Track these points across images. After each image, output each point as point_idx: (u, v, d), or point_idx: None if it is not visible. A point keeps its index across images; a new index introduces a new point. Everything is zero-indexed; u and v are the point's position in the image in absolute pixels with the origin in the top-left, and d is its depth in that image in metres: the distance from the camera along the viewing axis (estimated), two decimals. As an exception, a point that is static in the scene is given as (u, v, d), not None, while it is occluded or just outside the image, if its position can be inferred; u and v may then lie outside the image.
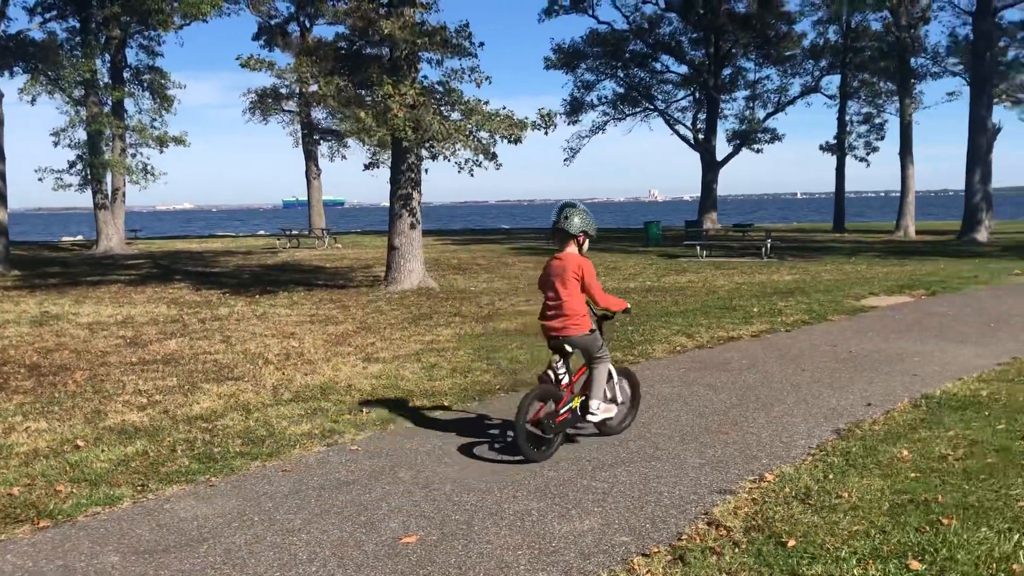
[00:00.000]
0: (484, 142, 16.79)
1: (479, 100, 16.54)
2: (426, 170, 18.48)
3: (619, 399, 6.11)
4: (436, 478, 5.26)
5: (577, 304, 5.68)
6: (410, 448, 5.93)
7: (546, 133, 17.51)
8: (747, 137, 45.05)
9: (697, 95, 46.63)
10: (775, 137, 45.74)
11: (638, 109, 47.44)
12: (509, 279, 19.50)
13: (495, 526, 4.43)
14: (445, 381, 8.17)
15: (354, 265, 23.96)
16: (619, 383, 6.16)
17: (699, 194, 46.72)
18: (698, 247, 26.47)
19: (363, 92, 17.29)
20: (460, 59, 17.33)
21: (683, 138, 46.09)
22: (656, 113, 47.16)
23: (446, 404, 7.23)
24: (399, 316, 13.05)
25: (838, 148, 44.14)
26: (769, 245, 26.01)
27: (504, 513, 4.62)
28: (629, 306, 6.20)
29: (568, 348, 5.72)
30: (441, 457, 5.70)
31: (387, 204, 18.33)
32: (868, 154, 44.49)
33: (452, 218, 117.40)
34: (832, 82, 44.81)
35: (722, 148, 45.72)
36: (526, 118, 16.82)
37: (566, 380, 5.79)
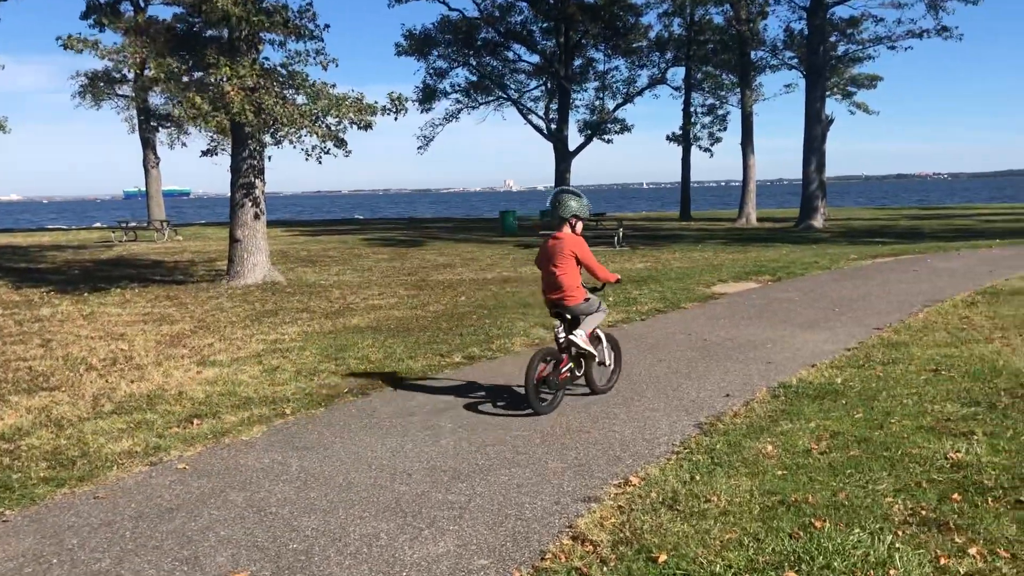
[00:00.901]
0: (332, 128, 16.06)
1: (325, 84, 15.79)
2: (269, 157, 17.54)
3: (607, 362, 7.01)
4: (273, 499, 4.70)
5: (572, 278, 6.53)
6: (245, 465, 5.33)
7: (396, 118, 16.92)
8: (598, 127, 45.75)
9: (549, 85, 46.95)
10: (625, 127, 46.64)
11: (491, 98, 47.30)
12: (361, 271, 18.83)
13: (338, 555, 3.93)
14: (288, 385, 7.54)
15: (195, 259, 22.58)
16: (607, 347, 7.02)
17: (553, 184, 47.11)
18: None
19: (200, 75, 16.18)
20: (304, 41, 16.50)
21: (536, 128, 46.30)
22: (509, 102, 47.20)
23: (288, 412, 6.62)
24: (241, 313, 12.21)
25: (683, 139, 45.46)
26: (621, 234, 26.36)
27: (349, 539, 4.12)
28: (619, 278, 7.27)
29: (568, 316, 6.68)
30: (280, 475, 5.13)
31: (237, 194, 17.27)
32: (712, 144, 46.05)
33: (303, 208, 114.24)
34: (677, 74, 46.18)
35: (574, 138, 46.23)
36: (376, 102, 16.19)
37: (564, 343, 6.62)
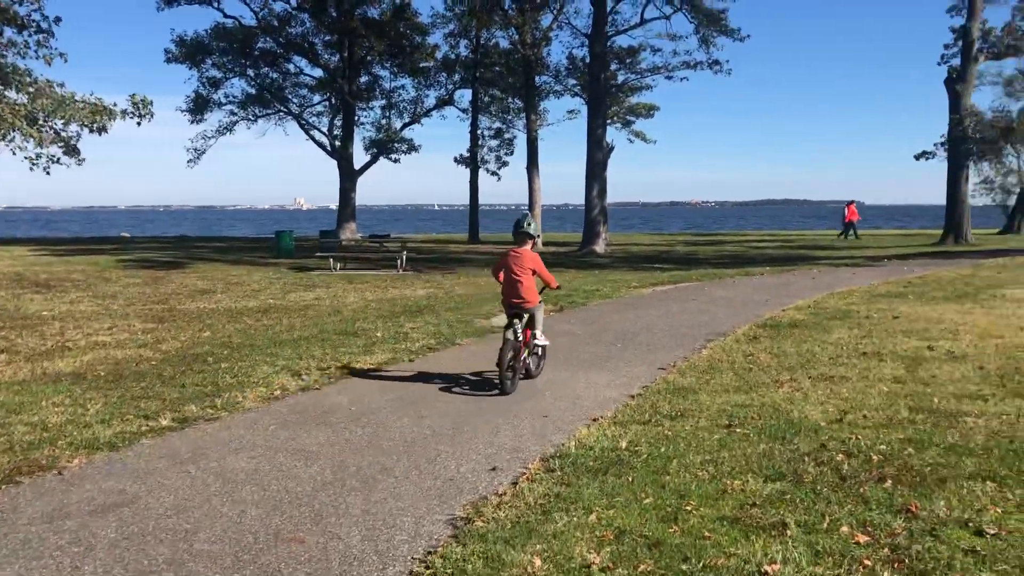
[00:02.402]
0: (62, 132, 13.66)
1: (50, 82, 13.41)
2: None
3: (541, 350, 8.74)
4: None
5: (531, 284, 8.22)
6: None
7: (139, 123, 14.74)
8: (384, 146, 44.39)
9: (333, 100, 45.06)
10: (412, 147, 45.59)
11: (270, 111, 44.79)
12: (102, 299, 16.25)
13: None
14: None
15: None
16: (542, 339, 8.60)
17: (338, 203, 45.11)
18: (331, 259, 24.74)
19: None
20: (28, 32, 14.01)
21: (319, 144, 44.26)
22: (290, 117, 44.88)
23: None
24: (-93, 360, 9.70)
25: (471, 161, 44.93)
26: (405, 257, 25.02)
27: None
28: (559, 286, 9.14)
29: (525, 315, 8.24)
30: None
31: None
32: (499, 168, 45.86)
33: (71, 222, 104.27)
34: (465, 96, 45.65)
35: (360, 156, 44.61)
36: (114, 105, 13.96)
37: (522, 337, 8.11)
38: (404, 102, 46.21)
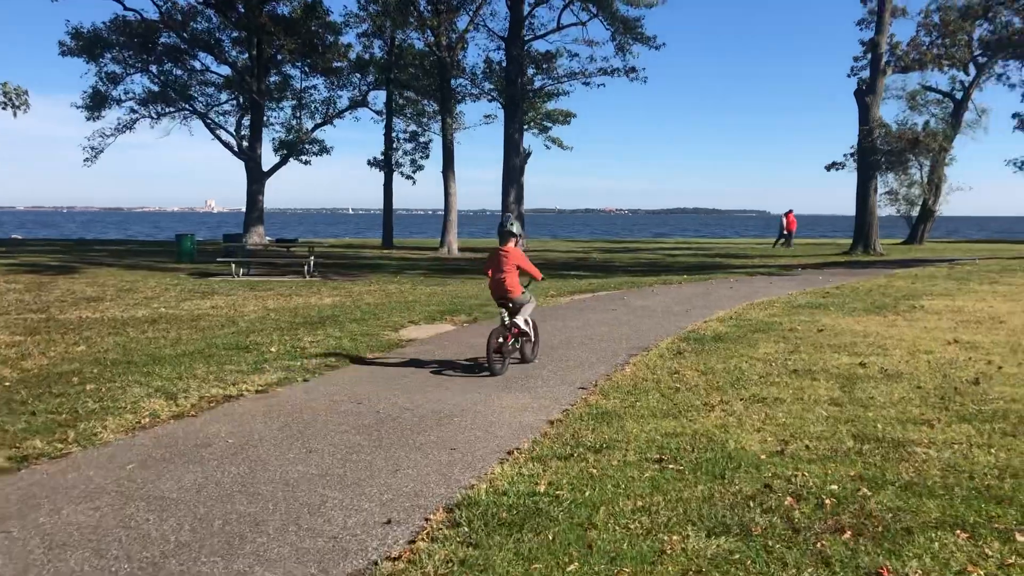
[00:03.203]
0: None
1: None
2: None
3: (532, 337, 9.62)
4: None
5: (515, 278, 9.20)
6: None
7: (15, 114, 13.33)
8: (294, 147, 42.88)
9: (241, 100, 43.32)
10: (324, 149, 44.24)
11: (173, 109, 42.76)
12: (-36, 309, 14.71)
13: None
14: None
15: None
16: (532, 326, 9.62)
17: (246, 205, 43.33)
18: (233, 265, 23.38)
19: None
20: None
21: (226, 144, 42.43)
22: (195, 116, 42.93)
23: None
24: None
25: (385, 164, 43.79)
26: (312, 262, 23.83)
27: None
28: (543, 277, 9.75)
29: (511, 304, 9.22)
30: None
31: None
32: (414, 172, 44.85)
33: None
34: (379, 97, 44.54)
35: (269, 157, 43.01)
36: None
37: (509, 326, 9.15)
38: (316, 102, 44.86)
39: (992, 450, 5.82)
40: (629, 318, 13.40)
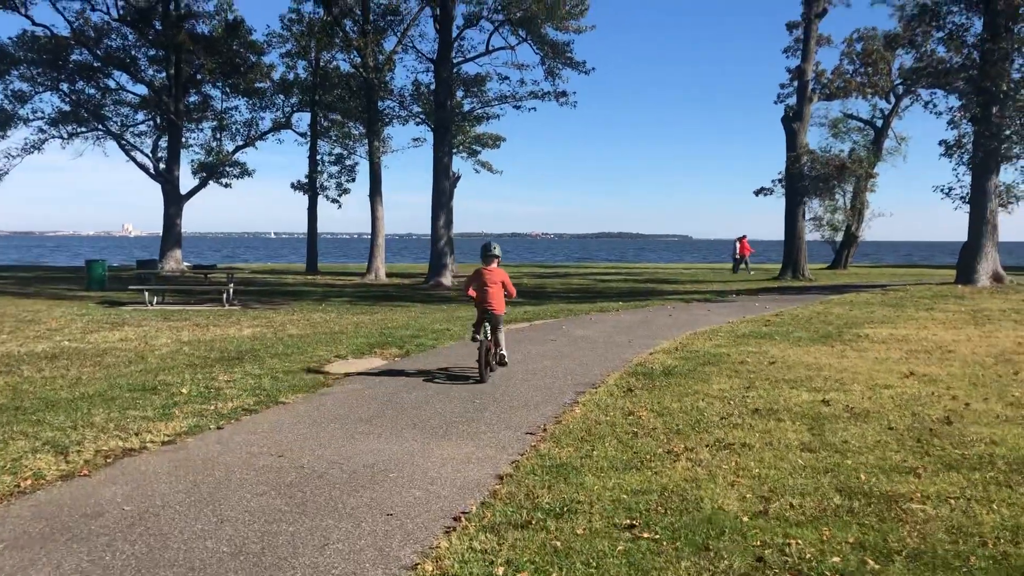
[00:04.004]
0: None
1: None
2: None
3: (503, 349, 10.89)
4: None
5: (500, 296, 10.48)
6: None
7: None
8: (214, 169, 41.38)
9: (158, 120, 41.66)
10: (245, 171, 42.83)
11: (85, 129, 40.85)
12: None
13: None
14: None
15: None
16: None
17: (163, 229, 41.50)
18: (146, 292, 22.00)
19: None
20: None
21: (141, 166, 40.69)
22: (109, 136, 41.08)
23: None
24: None
25: (310, 187, 42.60)
26: (232, 289, 22.61)
27: None
28: (516, 295, 11.35)
29: (494, 320, 10.37)
30: None
31: None
32: (340, 195, 43.76)
33: None
34: (303, 119, 43.37)
35: (188, 180, 41.45)
36: None
37: (491, 338, 10.39)
38: (237, 124, 43.50)
39: (993, 506, 5.26)
40: (571, 350, 12.72)
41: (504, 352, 10.78)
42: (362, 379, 10.28)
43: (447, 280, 32.79)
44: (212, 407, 8.46)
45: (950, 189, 26.45)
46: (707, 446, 6.80)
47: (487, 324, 10.28)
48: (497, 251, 10.57)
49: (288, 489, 5.82)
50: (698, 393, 9.04)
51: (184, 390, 9.34)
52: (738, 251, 42.12)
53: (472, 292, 10.57)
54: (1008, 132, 24.06)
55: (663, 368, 10.68)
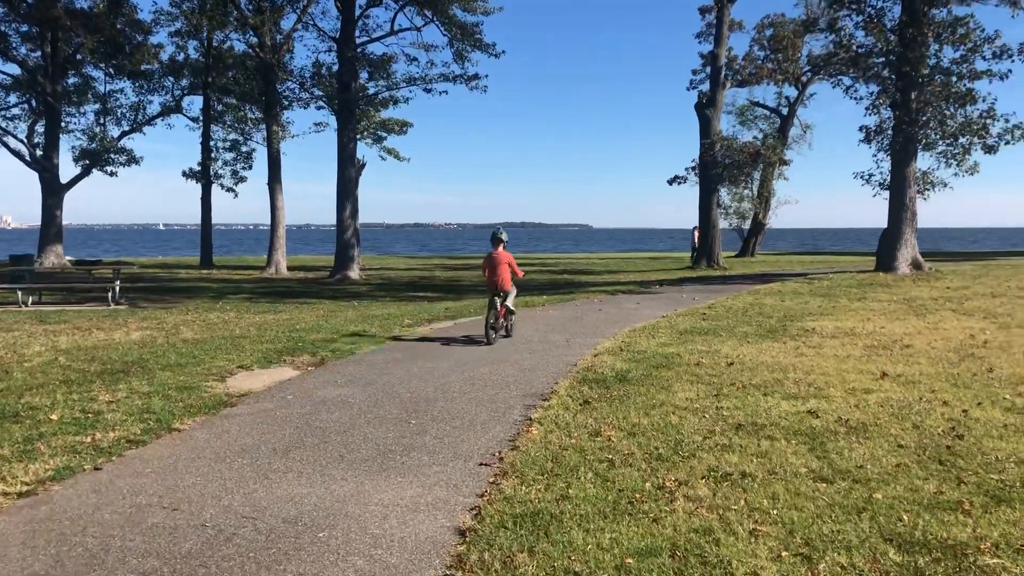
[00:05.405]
0: None
1: None
2: None
3: (512, 318, 13.04)
4: None
5: (507, 275, 12.48)
6: None
7: None
8: (97, 157, 38.45)
9: (34, 103, 38.44)
10: (133, 159, 39.99)
11: (-51, 112, 37.35)
12: None
13: None
14: None
15: None
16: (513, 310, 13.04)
17: (41, 221, 38.36)
18: (20, 292, 19.75)
19: None
20: None
21: (15, 153, 37.45)
22: (-23, 120, 37.70)
23: None
24: None
25: (203, 176, 40.11)
26: (119, 287, 20.54)
27: None
28: (524, 274, 13.60)
29: (503, 294, 12.45)
30: None
31: None
32: (236, 184, 41.45)
33: None
34: (195, 103, 40.86)
35: (69, 168, 38.42)
36: None
37: (500, 307, 12.45)
38: (123, 108, 40.65)
39: (1081, 556, 4.28)
40: (506, 353, 11.47)
41: (514, 312, 13.14)
42: (272, 396, 8.81)
43: (355, 274, 31.14)
44: (89, 439, 6.89)
45: (870, 176, 26.36)
46: (702, 478, 5.68)
47: (497, 297, 12.46)
48: (504, 236, 12.74)
49: (187, 564, 4.40)
50: (665, 405, 7.93)
51: (54, 415, 7.69)
52: (696, 241, 41.63)
53: (485, 272, 12.73)
54: (926, 118, 23.97)
55: (615, 373, 9.55)
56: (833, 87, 40.85)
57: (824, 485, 5.48)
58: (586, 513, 5.02)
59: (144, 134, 41.27)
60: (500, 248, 12.58)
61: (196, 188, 40.44)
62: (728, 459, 6.11)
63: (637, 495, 5.33)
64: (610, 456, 6.23)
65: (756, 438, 6.67)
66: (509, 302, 12.59)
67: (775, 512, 4.99)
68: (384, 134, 42.07)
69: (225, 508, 5.29)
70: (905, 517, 4.86)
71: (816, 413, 7.47)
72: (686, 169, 35.84)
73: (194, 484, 5.78)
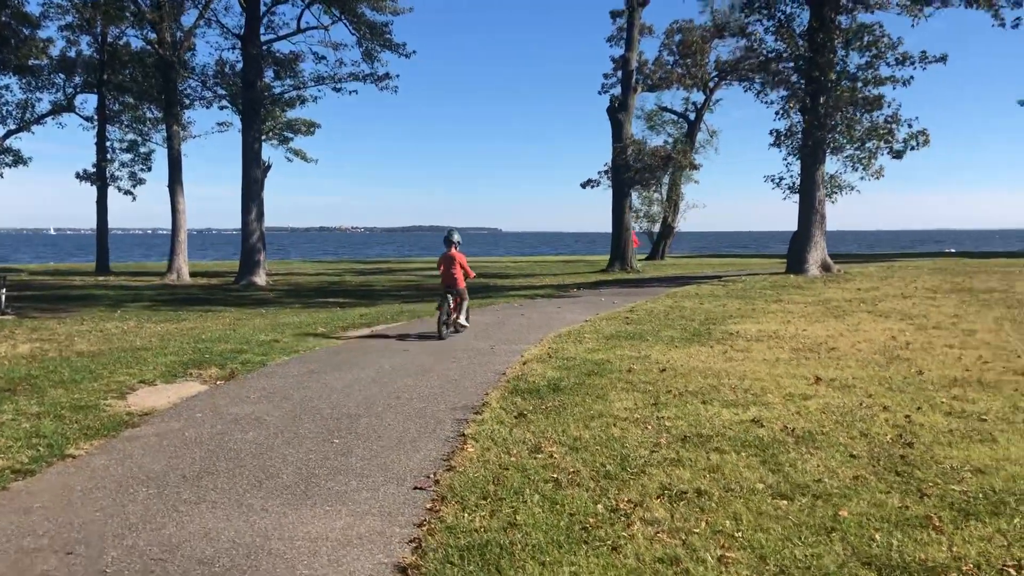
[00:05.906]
0: None
1: None
2: None
3: (465, 314, 13.94)
4: None
5: (460, 274, 13.44)
6: None
7: None
8: (-19, 157, 36.16)
9: (-92, 99, 35.94)
10: (20, 159, 37.79)
11: None
12: None
13: None
14: None
15: None
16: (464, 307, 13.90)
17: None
18: None
19: None
20: None
21: None
22: None
23: None
24: None
25: (98, 178, 38.16)
26: (4, 296, 19.16)
27: None
28: (475, 275, 14.47)
29: (455, 292, 13.36)
30: None
31: None
32: (134, 186, 39.57)
33: None
34: (90, 101, 38.85)
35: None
36: None
37: (452, 306, 13.31)
38: (8, 106, 38.29)
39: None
40: (430, 362, 10.97)
41: (464, 322, 13.82)
42: (179, 414, 8.09)
43: (261, 279, 30.06)
44: (-35, 471, 6.09)
45: (780, 179, 26.81)
46: (656, 497, 5.32)
47: (449, 294, 13.33)
48: (456, 237, 13.63)
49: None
50: (603, 416, 7.57)
51: (-71, 444, 6.83)
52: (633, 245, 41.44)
53: (441, 268, 13.78)
54: (834, 122, 24.48)
55: (547, 382, 9.15)
56: (745, 91, 41.66)
57: (785, 503, 5.19)
58: (538, 543, 4.59)
59: (33, 133, 38.99)
60: (453, 249, 13.53)
61: (91, 190, 38.51)
62: (680, 475, 5.77)
63: (591, 519, 4.93)
64: (555, 475, 5.81)
65: (704, 451, 6.36)
66: (464, 304, 13.76)
67: (740, 535, 4.66)
68: (291, 135, 40.86)
69: (129, 549, 4.66)
70: (877, 537, 4.59)
71: (760, 422, 7.23)
72: (599, 173, 35.94)
73: (92, 521, 5.11)
